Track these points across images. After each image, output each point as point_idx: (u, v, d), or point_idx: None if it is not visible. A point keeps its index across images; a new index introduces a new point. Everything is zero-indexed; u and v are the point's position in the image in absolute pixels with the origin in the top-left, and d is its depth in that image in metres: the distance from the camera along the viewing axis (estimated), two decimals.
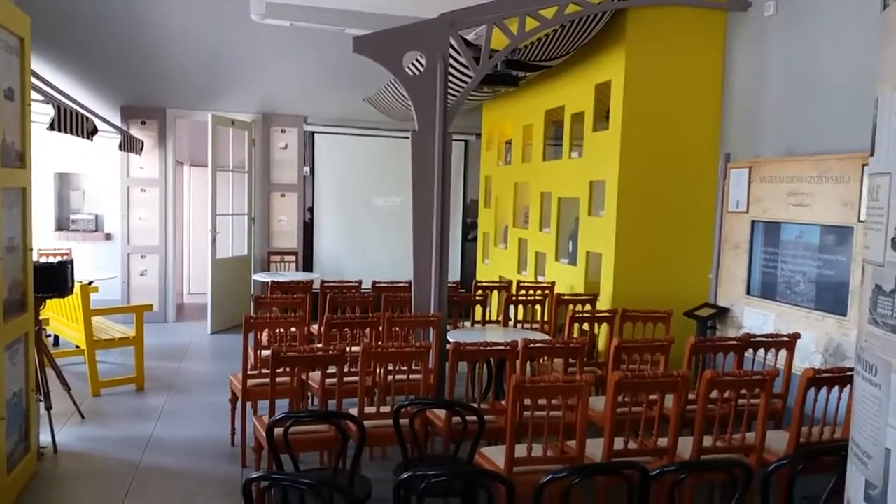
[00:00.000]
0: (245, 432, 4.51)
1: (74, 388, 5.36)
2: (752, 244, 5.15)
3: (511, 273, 7.93)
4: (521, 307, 5.95)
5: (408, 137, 9.64)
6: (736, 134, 5.76)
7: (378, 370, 3.96)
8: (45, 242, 8.55)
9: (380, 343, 4.50)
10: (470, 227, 9.89)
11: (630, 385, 3.25)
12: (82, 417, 5.26)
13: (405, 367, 3.84)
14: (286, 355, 3.49)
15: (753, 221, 5.13)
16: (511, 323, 6.07)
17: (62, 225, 9.05)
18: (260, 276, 8.43)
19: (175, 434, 5.06)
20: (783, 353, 4.39)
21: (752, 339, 4.30)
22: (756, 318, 5.09)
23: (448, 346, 4.95)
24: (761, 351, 4.37)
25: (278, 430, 3.06)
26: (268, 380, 4.37)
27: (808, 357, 4.54)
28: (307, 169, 9.38)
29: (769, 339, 4.35)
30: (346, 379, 3.71)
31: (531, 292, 6.42)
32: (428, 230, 5.20)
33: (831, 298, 4.41)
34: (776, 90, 5.25)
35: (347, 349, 3.73)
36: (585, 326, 5.71)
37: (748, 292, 5.17)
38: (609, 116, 6.05)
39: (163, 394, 5.98)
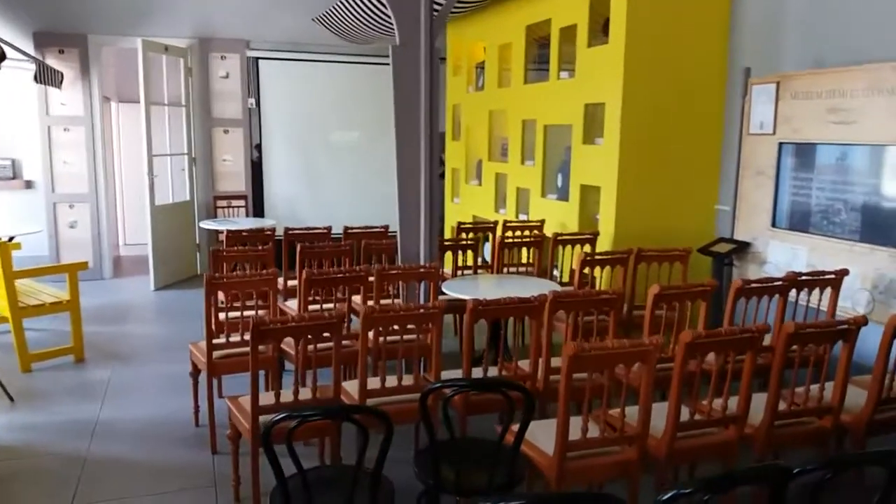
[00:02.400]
0: (213, 410, 3.79)
1: None
2: (779, 170, 4.58)
3: (486, 212, 7.26)
4: (506, 249, 5.29)
5: (367, 63, 8.86)
6: (749, 46, 5.13)
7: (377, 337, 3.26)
8: None
9: (380, 305, 3.81)
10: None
11: (702, 346, 2.65)
12: (11, 401, 4.44)
13: (411, 329, 3.18)
14: (270, 328, 2.76)
15: (781, 144, 4.55)
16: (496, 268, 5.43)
17: None
18: (207, 224, 7.53)
19: (127, 414, 4.30)
20: (826, 292, 3.89)
21: (800, 278, 3.77)
22: (784, 252, 4.57)
23: (455, 303, 4.32)
24: (804, 292, 3.85)
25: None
26: (236, 350, 3.69)
27: (850, 296, 4.05)
28: (252, 101, 8.39)
29: (815, 278, 3.83)
30: (323, 345, 3.00)
31: (523, 233, 5.79)
32: (415, 167, 4.48)
33: (884, 228, 3.89)
34: None
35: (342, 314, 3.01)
36: (586, 269, 5.14)
37: (774, 224, 4.63)
38: (608, 29, 5.33)
39: (107, 365, 5.17)
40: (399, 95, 4.39)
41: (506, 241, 5.08)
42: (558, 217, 5.98)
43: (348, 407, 2.48)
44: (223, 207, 8.33)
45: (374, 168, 8.72)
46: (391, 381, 3.10)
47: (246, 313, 3.81)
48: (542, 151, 6.25)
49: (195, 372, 4.00)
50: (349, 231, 5.58)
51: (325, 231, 5.58)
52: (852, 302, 4.02)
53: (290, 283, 5.20)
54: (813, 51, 4.57)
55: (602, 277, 5.26)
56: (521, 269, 5.49)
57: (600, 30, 5.60)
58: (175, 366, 4.86)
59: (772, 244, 4.66)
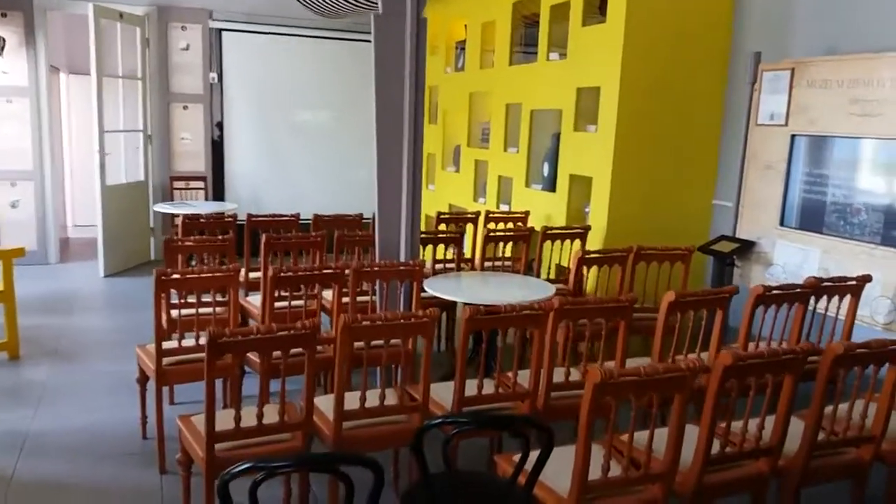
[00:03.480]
0: (161, 423, 3.31)
1: None
2: (790, 164, 4.24)
3: (464, 201, 6.84)
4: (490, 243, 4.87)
5: (339, 38, 8.31)
6: (755, 29, 4.77)
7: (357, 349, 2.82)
8: None
9: (356, 305, 3.39)
10: None
11: (742, 368, 2.27)
12: None
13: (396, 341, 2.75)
14: (230, 341, 2.31)
15: (794, 136, 4.20)
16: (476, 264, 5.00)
17: None
18: (162, 207, 6.96)
19: (64, 424, 3.79)
20: (846, 300, 3.56)
21: (823, 285, 3.42)
22: (793, 254, 4.23)
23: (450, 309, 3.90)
24: (822, 299, 3.51)
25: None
26: (189, 356, 3.22)
27: (869, 303, 3.72)
28: (214, 75, 7.80)
29: (837, 284, 3.49)
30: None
31: (507, 225, 5.38)
32: (397, 151, 4.03)
33: None
34: None
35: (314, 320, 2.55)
36: (566, 262, 4.77)
37: (783, 223, 4.29)
38: (605, 7, 4.92)
39: (45, 364, 4.63)
40: (381, 71, 3.93)
41: (491, 234, 4.65)
42: (544, 208, 5.58)
43: (331, 457, 2.02)
44: (180, 189, 7.75)
45: (345, 151, 8.23)
46: (372, 397, 2.66)
47: (202, 310, 3.33)
48: (527, 138, 5.84)
49: (143, 378, 3.50)
50: (320, 219, 5.10)
51: (293, 218, 5.10)
52: (871, 310, 3.69)
53: (253, 275, 4.72)
54: (826, 36, 4.23)
55: (589, 276, 4.89)
56: (506, 263, 5.08)
57: (596, 8, 5.19)
58: (123, 365, 4.36)
59: (779, 244, 4.32)
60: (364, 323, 2.54)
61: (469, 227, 5.52)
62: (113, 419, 3.82)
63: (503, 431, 2.87)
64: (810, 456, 2.52)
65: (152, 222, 7.75)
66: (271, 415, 2.56)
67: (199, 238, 4.24)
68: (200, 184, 7.84)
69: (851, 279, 3.54)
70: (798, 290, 3.37)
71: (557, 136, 5.54)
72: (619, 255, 4.11)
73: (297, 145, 8.17)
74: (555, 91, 5.45)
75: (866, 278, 3.55)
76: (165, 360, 3.24)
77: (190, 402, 3.86)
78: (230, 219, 4.98)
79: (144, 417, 3.60)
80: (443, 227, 5.32)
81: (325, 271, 3.44)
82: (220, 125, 7.92)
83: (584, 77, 5.13)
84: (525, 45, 6.26)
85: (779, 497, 2.61)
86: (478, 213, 5.51)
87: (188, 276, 3.22)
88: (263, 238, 4.20)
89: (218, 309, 3.42)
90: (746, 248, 4.51)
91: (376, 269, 3.52)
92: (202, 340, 2.63)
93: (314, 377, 2.55)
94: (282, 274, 3.33)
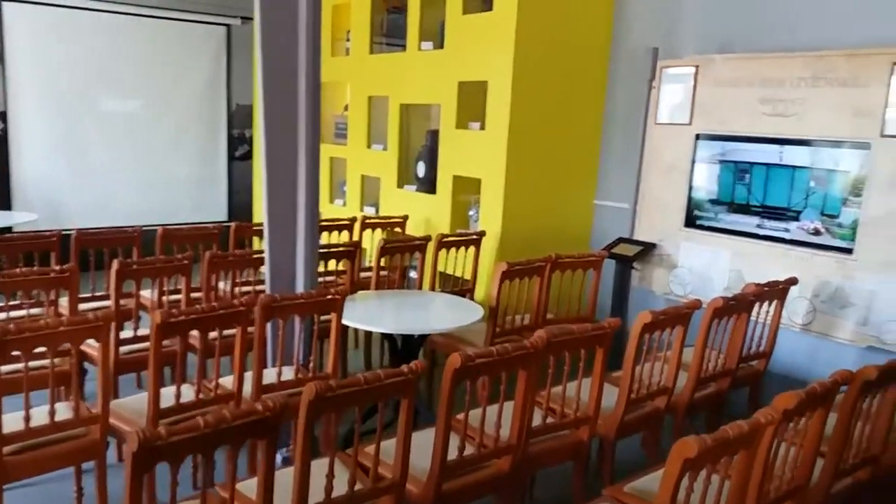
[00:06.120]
0: None
1: None
2: (694, 165, 4.15)
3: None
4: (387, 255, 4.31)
5: (153, 16, 7.09)
6: (639, 23, 4.66)
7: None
8: None
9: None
10: (238, 141, 7.72)
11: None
12: None
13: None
14: None
15: (699, 136, 4.11)
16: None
17: None
18: None
19: None
20: (773, 304, 3.51)
21: (757, 293, 3.30)
22: (700, 255, 4.16)
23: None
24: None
25: None
26: None
27: (787, 304, 3.71)
28: None
29: (772, 289, 3.41)
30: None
31: (385, 231, 4.85)
32: (290, 152, 3.31)
33: (828, 232, 3.59)
34: None
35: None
36: (461, 272, 4.37)
37: (688, 224, 4.20)
38: None
39: None
40: (267, 55, 3.19)
41: (388, 244, 4.08)
42: (422, 212, 5.12)
43: None
44: None
45: (163, 145, 7.13)
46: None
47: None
48: (397, 134, 5.33)
49: None
50: (172, 231, 4.21)
51: (133, 233, 4.15)
52: (789, 312, 3.68)
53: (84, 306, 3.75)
54: (720, 33, 4.19)
55: (481, 282, 4.54)
56: (392, 276, 4.54)
57: None
58: None
59: (684, 246, 4.24)
60: (341, 391, 1.92)
61: (343, 235, 4.89)
62: None
63: None
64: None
65: None
66: None
67: (26, 270, 3.18)
68: None
69: (782, 283, 3.48)
70: (734, 301, 3.21)
71: (434, 134, 5.09)
72: (539, 266, 3.76)
73: (104, 140, 6.88)
74: (430, 84, 4.99)
75: (792, 281, 3.52)
76: None
77: None
78: (52, 237, 3.91)
79: None
80: (324, 235, 4.63)
81: (228, 310, 2.69)
82: (2, 116, 6.45)
83: (466, 70, 4.72)
84: (387, 34, 5.72)
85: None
86: (353, 220, 4.90)
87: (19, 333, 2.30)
88: (115, 267, 3.30)
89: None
90: (647, 250, 4.38)
91: (294, 301, 2.83)
92: None
93: None
94: (171, 319, 2.55)
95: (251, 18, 6.97)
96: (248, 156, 7.55)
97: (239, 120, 7.64)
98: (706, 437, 1.67)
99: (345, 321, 3.07)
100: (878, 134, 3.36)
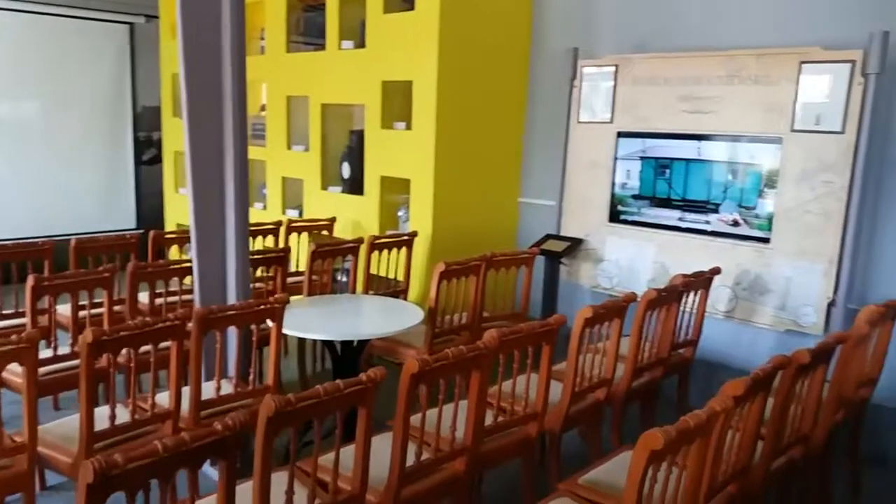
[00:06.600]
0: None
1: None
2: (616, 162, 4.27)
3: None
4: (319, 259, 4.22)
5: (61, 15, 6.66)
6: (555, 25, 4.76)
7: None
8: None
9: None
10: (146, 145, 7.38)
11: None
12: None
13: None
14: None
15: (620, 134, 4.23)
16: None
17: None
18: None
19: None
20: (699, 293, 3.66)
21: (685, 283, 3.44)
22: (625, 249, 4.29)
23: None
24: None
25: None
26: None
27: (711, 293, 3.87)
28: None
29: (698, 279, 3.55)
30: None
31: (312, 234, 4.75)
32: (216, 155, 3.19)
33: (746, 223, 3.77)
34: None
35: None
36: (393, 274, 4.35)
37: (612, 219, 4.32)
38: None
39: None
40: (188, 51, 3.06)
41: (320, 249, 3.99)
42: (351, 214, 5.05)
43: None
44: None
45: (65, 152, 6.74)
46: None
47: None
48: (319, 135, 5.23)
49: None
50: (85, 244, 3.98)
51: (46, 246, 3.90)
52: (713, 300, 3.85)
53: None
54: (635, 34, 4.33)
55: (416, 281, 4.54)
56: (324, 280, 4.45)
57: None
58: None
59: (609, 240, 4.36)
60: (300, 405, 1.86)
61: (268, 240, 4.77)
62: None
63: None
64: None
65: None
66: None
67: None
68: None
69: (707, 273, 3.63)
70: (677, 288, 3.35)
71: (359, 134, 5.03)
72: (475, 265, 3.78)
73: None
74: (353, 84, 4.92)
75: (716, 270, 3.67)
76: None
77: None
78: None
79: None
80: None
81: (162, 324, 2.56)
82: None
83: (390, 70, 4.68)
84: (304, 32, 5.60)
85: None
86: (278, 223, 4.78)
87: None
88: (30, 280, 3.09)
89: None
90: (575, 245, 4.48)
91: (230, 312, 2.73)
92: None
93: None
94: (105, 338, 2.41)
95: (156, 16, 6.68)
96: (157, 160, 7.23)
97: (146, 122, 7.30)
98: (670, 429, 1.72)
99: (285, 330, 2.99)
100: (788, 129, 3.56)
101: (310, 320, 3.33)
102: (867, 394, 3.14)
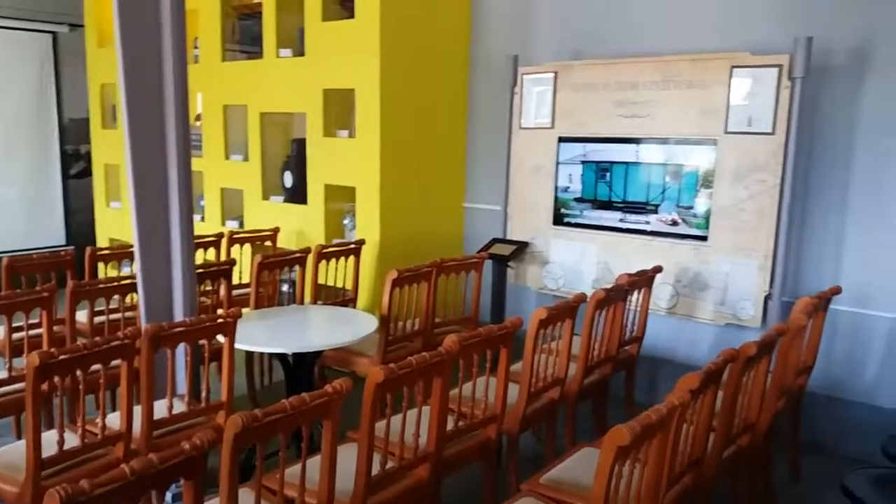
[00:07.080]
0: None
1: None
2: (559, 166, 4.36)
3: None
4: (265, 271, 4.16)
5: None
6: (494, 33, 4.83)
7: None
8: None
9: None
10: (73, 158, 7.11)
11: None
12: None
13: None
14: None
15: (562, 139, 4.32)
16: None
17: None
18: None
19: None
20: (642, 291, 3.77)
21: (630, 282, 3.54)
22: (569, 251, 4.38)
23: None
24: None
25: None
26: None
27: (654, 290, 4.00)
28: None
29: (638, 279, 3.66)
30: None
31: (255, 245, 4.68)
32: (159, 166, 3.12)
33: (685, 222, 3.91)
34: None
35: None
36: (341, 283, 4.33)
37: (556, 222, 4.41)
38: (350, 1, 4.52)
39: None
40: (128, 50, 2.97)
41: (267, 260, 3.94)
42: (293, 223, 4.99)
43: None
44: None
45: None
46: None
47: None
48: (259, 144, 5.15)
49: None
50: (17, 262, 3.81)
51: None
52: (655, 298, 3.97)
53: None
54: (571, 41, 4.44)
55: (365, 287, 4.53)
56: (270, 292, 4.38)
57: (337, 2, 4.75)
58: None
59: (554, 243, 4.44)
60: (268, 419, 1.84)
61: (209, 252, 4.67)
62: None
63: None
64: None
65: None
66: None
67: None
68: None
69: (650, 271, 3.75)
70: (612, 291, 3.43)
71: (300, 142, 4.98)
72: (427, 271, 3.80)
73: None
74: (293, 93, 4.87)
75: (658, 269, 3.80)
76: None
77: None
78: None
79: None
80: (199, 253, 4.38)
81: (111, 344, 2.48)
82: None
83: (331, 78, 4.66)
84: (240, 40, 5.51)
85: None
86: (220, 235, 4.68)
87: None
88: None
89: None
90: (521, 248, 4.55)
91: (182, 329, 2.67)
92: None
93: None
94: (51, 360, 2.32)
95: (81, 25, 6.46)
96: (86, 173, 6.97)
97: (73, 135, 7.04)
98: (635, 425, 1.77)
99: (238, 345, 2.94)
100: (722, 131, 3.71)
101: (261, 334, 3.28)
102: (804, 382, 3.30)
